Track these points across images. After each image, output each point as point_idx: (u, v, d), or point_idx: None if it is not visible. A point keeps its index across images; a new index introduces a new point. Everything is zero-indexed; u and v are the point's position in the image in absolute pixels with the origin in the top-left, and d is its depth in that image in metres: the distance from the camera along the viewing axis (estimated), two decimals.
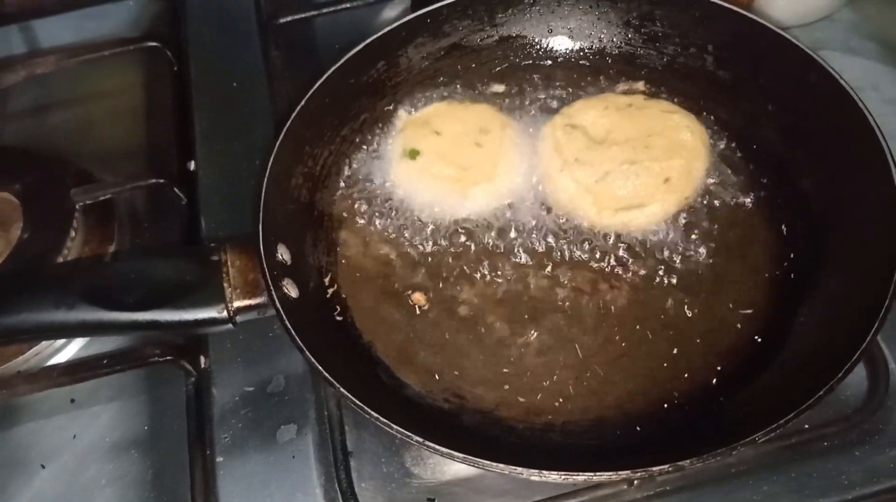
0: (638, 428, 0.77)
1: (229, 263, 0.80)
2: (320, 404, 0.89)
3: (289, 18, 1.23)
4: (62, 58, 1.22)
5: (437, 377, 0.82)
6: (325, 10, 1.23)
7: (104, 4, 1.37)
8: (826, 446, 0.83)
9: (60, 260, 1.00)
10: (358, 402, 0.68)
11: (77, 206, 1.04)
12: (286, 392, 0.91)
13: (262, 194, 0.83)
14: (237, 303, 0.78)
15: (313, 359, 0.71)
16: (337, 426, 0.86)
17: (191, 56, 1.22)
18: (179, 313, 0.77)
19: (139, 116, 1.24)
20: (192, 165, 1.12)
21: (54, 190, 1.07)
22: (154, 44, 1.22)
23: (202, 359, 0.94)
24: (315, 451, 0.87)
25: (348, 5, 1.24)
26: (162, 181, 1.04)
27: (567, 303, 0.87)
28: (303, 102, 0.91)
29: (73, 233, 1.03)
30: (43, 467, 0.91)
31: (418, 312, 0.87)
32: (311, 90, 0.92)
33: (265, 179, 0.84)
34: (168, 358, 0.89)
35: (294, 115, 0.90)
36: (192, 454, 0.88)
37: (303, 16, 1.23)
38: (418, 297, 0.88)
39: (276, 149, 0.87)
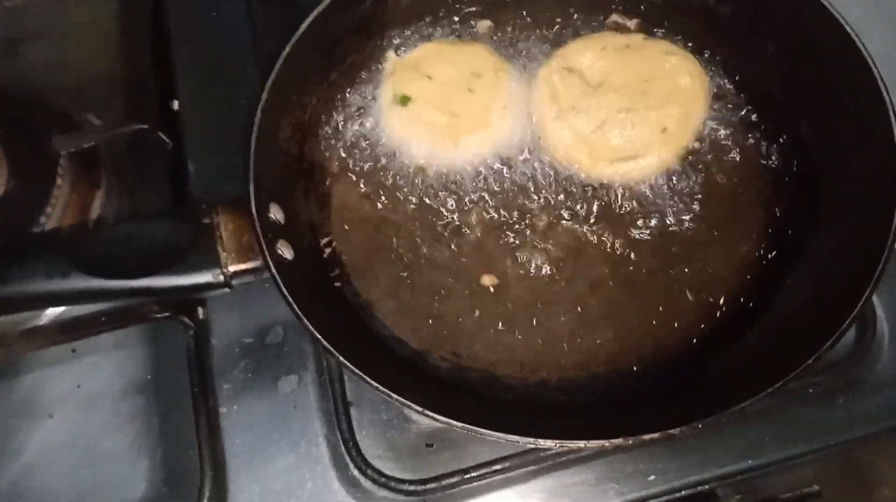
0: (629, 385, 0.79)
1: (222, 226, 0.79)
2: (319, 356, 0.91)
3: None
4: None
5: (434, 335, 0.83)
6: None
7: None
8: (811, 393, 0.85)
9: (49, 209, 0.99)
10: (359, 372, 0.70)
11: (61, 153, 1.01)
12: (285, 343, 0.92)
13: (252, 153, 0.80)
14: (232, 268, 0.78)
15: (313, 329, 0.71)
16: (337, 378, 0.88)
17: None
18: (175, 279, 0.77)
19: (116, 50, 1.19)
20: (176, 105, 1.09)
21: (36, 135, 1.04)
22: None
23: (200, 311, 0.94)
24: (316, 401, 0.89)
25: None
26: (146, 127, 1.02)
27: (560, 259, 0.87)
28: (287, 49, 0.87)
29: (59, 181, 1.01)
30: (50, 416, 0.94)
31: (413, 268, 0.88)
32: (296, 35, 0.87)
33: (253, 136, 0.82)
34: (166, 314, 0.90)
35: (279, 64, 0.86)
36: (195, 404, 0.90)
37: None
38: (411, 254, 0.88)
39: (262, 102, 0.84)
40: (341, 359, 0.70)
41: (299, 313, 0.73)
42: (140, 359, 0.96)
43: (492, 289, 0.86)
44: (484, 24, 1.00)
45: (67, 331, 0.91)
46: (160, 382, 0.95)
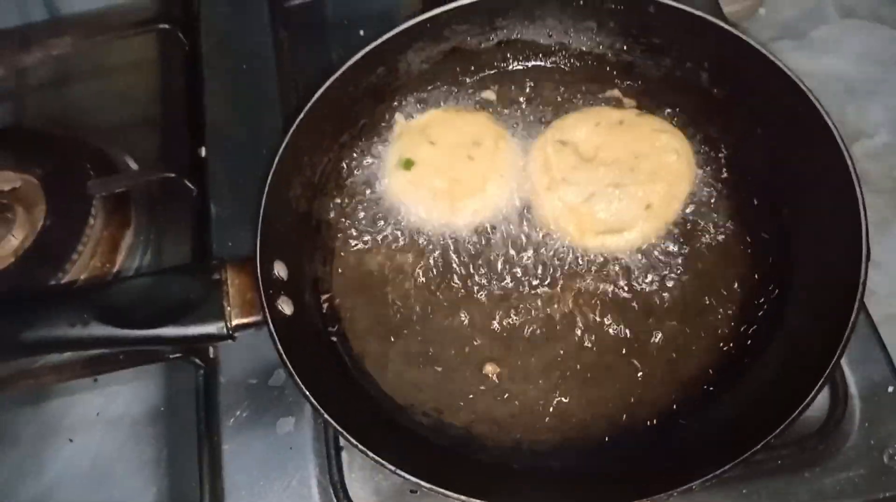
0: (600, 453, 0.84)
1: (229, 282, 0.86)
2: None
3: (297, 1, 1.23)
4: (77, 38, 1.24)
5: (419, 392, 0.89)
6: None
7: None
8: (779, 465, 0.88)
9: (81, 247, 1.08)
10: (342, 430, 0.76)
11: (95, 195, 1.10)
12: (286, 386, 0.99)
13: (261, 214, 0.88)
14: (235, 321, 0.85)
15: (302, 385, 0.78)
16: None
17: (202, 37, 1.24)
18: (182, 330, 0.84)
19: (152, 95, 1.28)
20: (203, 152, 1.17)
21: (73, 175, 1.13)
22: (165, 26, 1.24)
23: (210, 351, 1.01)
24: (311, 443, 0.95)
25: None
26: (173, 175, 1.10)
27: (542, 324, 0.92)
28: (302, 115, 0.94)
29: (91, 221, 1.09)
30: (71, 441, 1.02)
31: (404, 327, 0.94)
32: (311, 101, 0.95)
33: (264, 197, 0.89)
34: (178, 355, 0.97)
35: (293, 128, 0.93)
36: (200, 440, 0.97)
37: None
38: (404, 310, 0.94)
39: (275, 163, 0.91)
40: (326, 416, 0.76)
41: (291, 369, 0.79)
42: (155, 391, 1.03)
43: (475, 351, 0.91)
44: (489, 94, 1.06)
45: (90, 366, 0.99)
46: (171, 414, 1.02)
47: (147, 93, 1.27)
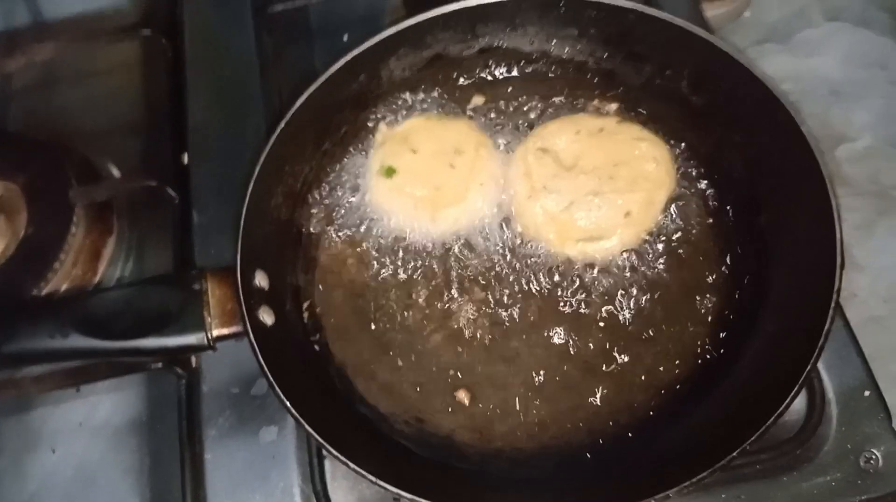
0: (579, 460, 0.85)
1: (209, 292, 0.86)
2: None
3: (281, 7, 1.23)
4: (61, 44, 1.24)
5: (401, 400, 0.90)
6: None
7: None
8: (757, 470, 0.89)
9: (63, 255, 1.07)
10: (322, 441, 0.76)
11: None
12: (268, 394, 0.99)
13: (242, 224, 0.88)
14: (216, 332, 0.85)
15: (283, 397, 0.78)
16: None
17: (185, 43, 1.24)
18: (162, 340, 0.84)
19: (136, 101, 1.28)
20: (186, 158, 1.17)
21: (55, 183, 1.12)
22: (148, 31, 1.24)
23: (192, 360, 1.01)
24: (294, 452, 0.95)
25: None
26: (155, 184, 1.09)
27: (521, 330, 0.93)
28: (283, 124, 0.94)
29: (73, 230, 1.09)
30: (53, 451, 1.01)
31: (386, 334, 0.94)
32: (292, 109, 0.94)
33: (245, 206, 0.89)
34: (160, 365, 0.97)
35: (274, 136, 0.93)
36: (182, 449, 0.97)
37: (296, 5, 1.24)
38: (385, 319, 0.94)
39: (256, 172, 0.91)
40: (308, 428, 0.77)
41: (272, 381, 0.80)
42: (137, 400, 1.03)
43: (454, 359, 0.92)
44: (471, 101, 1.06)
45: (72, 376, 0.99)
46: (154, 423, 1.02)
47: (130, 98, 1.27)
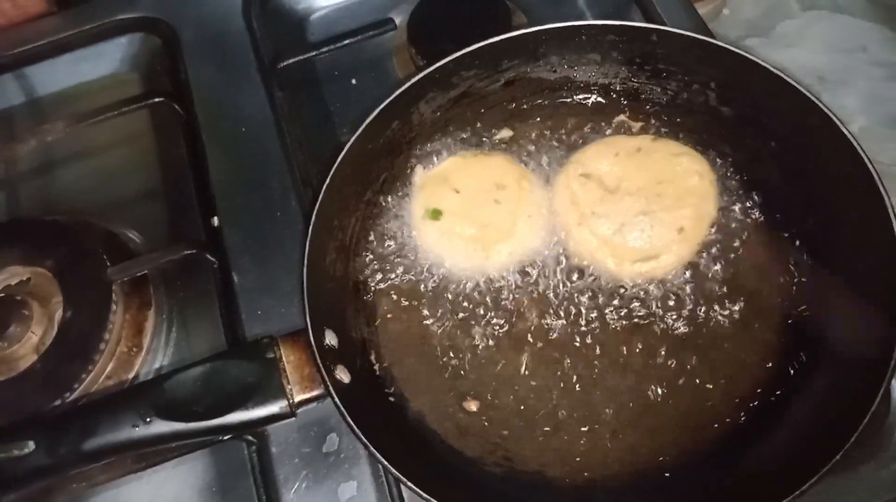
0: (672, 483, 0.86)
1: (284, 359, 0.86)
2: (374, 461, 0.96)
3: (290, 61, 1.23)
4: (71, 122, 1.22)
5: (486, 442, 0.90)
6: (323, 50, 1.24)
7: (96, 45, 1.37)
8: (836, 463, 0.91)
9: (106, 335, 1.05)
10: (422, 493, 0.76)
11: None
12: (341, 450, 0.98)
13: (304, 285, 0.87)
14: (298, 398, 0.85)
15: (377, 453, 0.78)
16: (393, 482, 0.94)
17: (196, 106, 1.23)
18: (246, 414, 0.83)
19: (153, 169, 1.27)
20: (216, 221, 1.15)
21: (88, 262, 1.10)
22: (160, 99, 1.23)
23: None
24: None
25: (346, 42, 1.24)
26: (195, 251, 1.08)
27: (596, 358, 0.94)
28: (327, 181, 0.94)
29: (114, 307, 1.07)
30: None
31: (459, 377, 0.94)
32: (334, 166, 0.95)
33: (304, 268, 0.89)
34: (228, 436, 0.96)
35: (321, 194, 0.93)
36: None
37: (302, 57, 1.24)
38: (457, 362, 0.94)
39: (310, 233, 0.91)
40: (407, 482, 0.76)
41: (364, 440, 0.79)
42: (204, 473, 1.02)
43: (534, 392, 0.92)
44: (503, 134, 1.07)
45: (141, 460, 0.96)
46: (225, 493, 1.01)
47: (147, 167, 1.26)
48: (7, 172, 1.29)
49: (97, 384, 1.04)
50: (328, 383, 0.82)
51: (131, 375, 1.07)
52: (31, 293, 1.10)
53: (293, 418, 0.86)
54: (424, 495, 0.76)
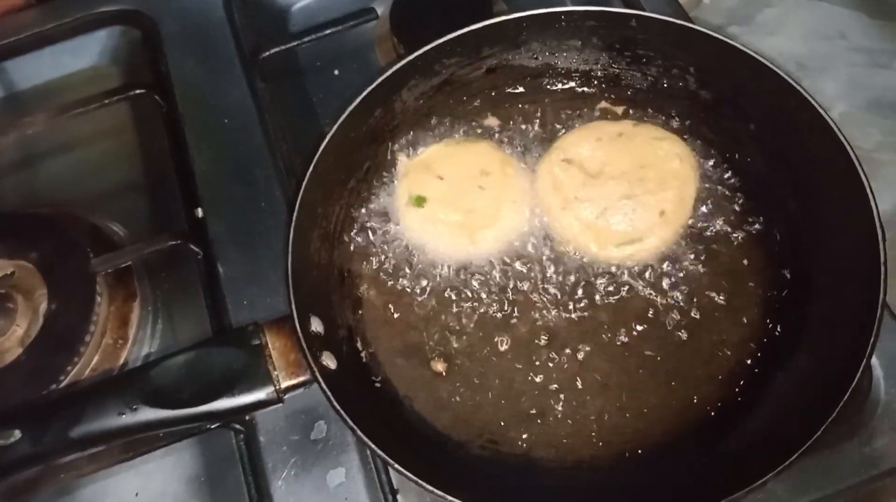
0: (657, 462, 0.87)
1: (270, 345, 0.86)
2: (362, 447, 0.97)
3: (271, 52, 1.23)
4: (52, 115, 1.21)
5: (472, 425, 0.91)
6: (305, 40, 1.24)
7: (76, 38, 1.36)
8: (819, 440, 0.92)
9: (91, 327, 1.05)
10: (411, 476, 0.77)
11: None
12: (329, 437, 0.98)
13: (289, 273, 0.87)
14: (284, 384, 0.85)
15: (366, 438, 0.78)
16: (382, 467, 0.94)
17: (177, 98, 1.23)
18: (233, 400, 0.83)
19: (135, 161, 1.26)
20: (200, 212, 1.15)
21: (72, 255, 1.10)
22: (141, 90, 1.22)
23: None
24: (365, 491, 0.95)
25: (328, 31, 1.24)
26: (179, 242, 1.08)
27: (581, 340, 0.94)
28: (310, 169, 0.94)
29: (98, 299, 1.07)
30: None
31: (445, 362, 0.95)
32: (317, 155, 0.94)
33: (289, 257, 0.88)
34: (217, 424, 0.96)
35: (305, 183, 0.93)
36: None
37: (284, 47, 1.23)
38: (442, 347, 0.95)
39: (293, 222, 0.91)
40: (395, 464, 0.77)
41: (352, 425, 0.80)
42: (193, 462, 1.02)
43: (519, 375, 0.93)
44: (486, 121, 1.08)
45: (128, 449, 0.96)
46: (214, 483, 1.01)
47: (130, 159, 1.26)
48: None
49: (83, 376, 1.03)
50: (314, 368, 0.83)
51: (117, 367, 1.06)
52: (15, 286, 1.09)
53: (280, 404, 0.86)
54: (412, 477, 0.77)
